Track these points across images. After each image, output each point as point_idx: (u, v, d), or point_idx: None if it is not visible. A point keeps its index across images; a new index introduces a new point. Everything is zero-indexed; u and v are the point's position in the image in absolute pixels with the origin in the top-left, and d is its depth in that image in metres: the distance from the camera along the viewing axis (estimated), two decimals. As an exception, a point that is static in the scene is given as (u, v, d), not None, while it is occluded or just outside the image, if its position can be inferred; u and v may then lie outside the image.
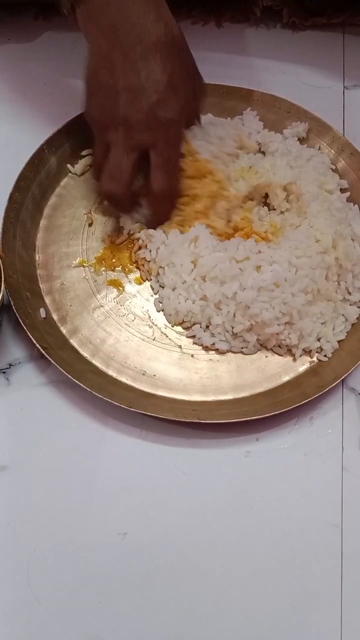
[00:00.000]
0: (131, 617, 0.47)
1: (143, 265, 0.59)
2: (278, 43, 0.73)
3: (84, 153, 0.63)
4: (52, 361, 0.52)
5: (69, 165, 0.63)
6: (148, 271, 0.59)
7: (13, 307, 0.54)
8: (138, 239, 0.59)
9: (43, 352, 0.52)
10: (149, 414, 0.51)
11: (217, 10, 0.73)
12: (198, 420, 0.52)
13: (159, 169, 0.55)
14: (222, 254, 0.55)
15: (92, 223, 0.61)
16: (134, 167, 0.55)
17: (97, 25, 0.54)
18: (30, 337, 0.53)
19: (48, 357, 0.52)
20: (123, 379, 0.54)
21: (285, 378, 0.55)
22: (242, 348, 0.56)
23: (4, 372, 0.55)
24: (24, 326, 0.53)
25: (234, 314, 0.54)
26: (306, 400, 0.52)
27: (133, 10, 0.53)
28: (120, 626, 0.47)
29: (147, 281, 0.59)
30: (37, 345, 0.52)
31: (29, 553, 0.49)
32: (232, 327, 0.55)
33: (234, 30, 0.73)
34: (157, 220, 0.59)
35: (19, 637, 0.47)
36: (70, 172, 0.63)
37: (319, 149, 0.64)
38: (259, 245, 0.56)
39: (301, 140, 0.64)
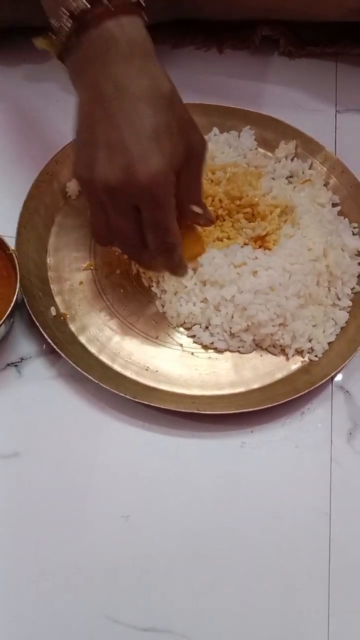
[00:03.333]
0: (133, 593, 0.50)
1: (144, 273, 0.63)
2: (275, 69, 0.78)
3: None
4: (63, 355, 0.55)
5: (79, 177, 0.67)
6: (149, 279, 0.63)
7: (27, 306, 0.57)
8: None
9: (54, 346, 0.56)
10: (153, 404, 0.55)
11: (219, 38, 0.78)
12: (197, 412, 0.55)
13: (149, 231, 0.51)
14: (221, 260, 0.59)
15: (100, 230, 0.65)
16: (137, 227, 0.51)
17: (81, 80, 0.50)
18: (43, 333, 0.56)
19: (59, 351, 0.56)
20: (128, 374, 0.58)
21: (279, 375, 0.59)
22: (239, 347, 0.59)
23: (16, 366, 0.58)
24: (36, 323, 0.57)
25: (232, 315, 0.58)
26: (297, 395, 0.56)
27: (115, 65, 0.48)
28: (122, 602, 0.50)
29: (149, 287, 0.63)
30: (49, 340, 0.56)
31: (38, 532, 0.52)
32: (230, 328, 0.59)
33: (235, 57, 0.78)
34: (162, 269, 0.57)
35: (27, 610, 0.50)
36: (80, 183, 0.67)
37: (311, 165, 0.68)
38: (255, 252, 0.60)
39: (295, 158, 0.68)
